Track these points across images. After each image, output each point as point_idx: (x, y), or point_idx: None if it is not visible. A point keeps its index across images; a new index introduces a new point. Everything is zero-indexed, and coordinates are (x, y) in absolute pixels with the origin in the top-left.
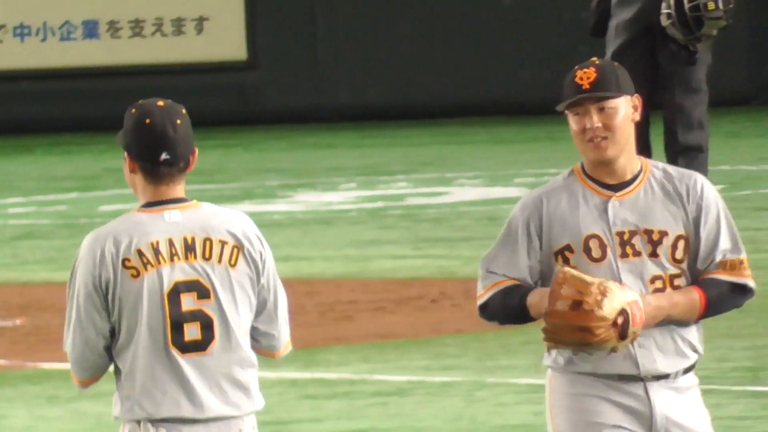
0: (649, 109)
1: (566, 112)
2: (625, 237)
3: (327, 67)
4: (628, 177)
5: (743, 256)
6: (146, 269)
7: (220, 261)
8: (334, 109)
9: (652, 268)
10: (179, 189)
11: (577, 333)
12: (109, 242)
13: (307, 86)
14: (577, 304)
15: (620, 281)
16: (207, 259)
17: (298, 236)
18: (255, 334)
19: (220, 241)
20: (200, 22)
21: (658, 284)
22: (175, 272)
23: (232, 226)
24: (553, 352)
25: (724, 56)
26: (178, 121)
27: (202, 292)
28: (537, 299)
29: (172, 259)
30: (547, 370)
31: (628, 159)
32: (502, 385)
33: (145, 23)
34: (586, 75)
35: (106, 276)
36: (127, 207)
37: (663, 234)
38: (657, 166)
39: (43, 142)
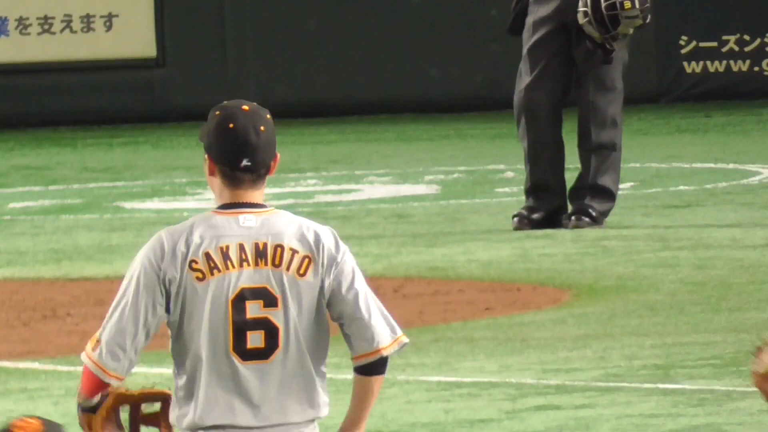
0: (563, 106)
1: None
2: None
3: (235, 64)
4: None
5: None
6: (212, 274)
7: (288, 269)
8: None
9: None
10: (258, 194)
11: None
12: (182, 241)
13: (215, 84)
14: None
15: None
16: (277, 266)
17: None
18: (350, 340)
19: (291, 249)
20: (109, 18)
21: None
22: (242, 278)
23: (306, 235)
24: None
25: (632, 54)
26: (262, 128)
27: (270, 299)
28: None
29: (240, 265)
30: None
31: None
32: (412, 382)
33: (54, 20)
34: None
35: (172, 274)
36: (35, 204)
37: None
38: None
39: None
